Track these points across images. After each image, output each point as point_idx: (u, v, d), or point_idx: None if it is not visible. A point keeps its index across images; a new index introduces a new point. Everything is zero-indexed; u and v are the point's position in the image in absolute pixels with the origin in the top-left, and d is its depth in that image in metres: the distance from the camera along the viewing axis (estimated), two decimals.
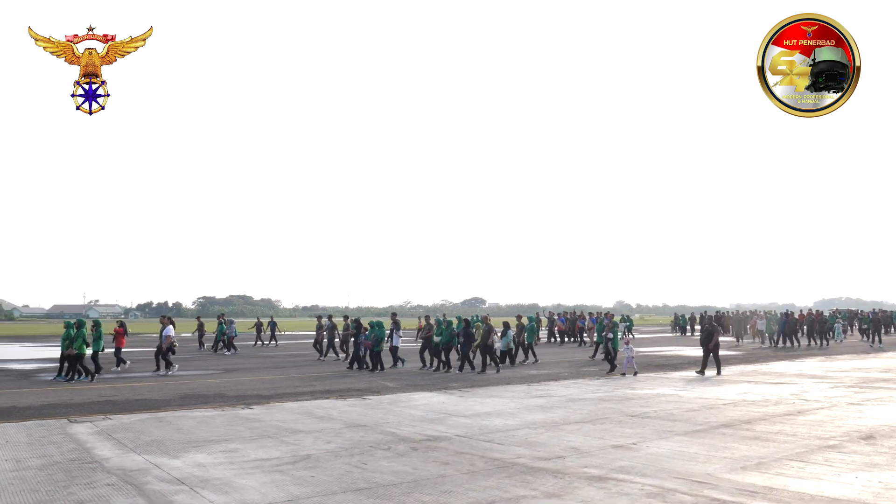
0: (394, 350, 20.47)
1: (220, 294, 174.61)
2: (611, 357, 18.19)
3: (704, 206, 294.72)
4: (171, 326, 18.60)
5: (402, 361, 20.61)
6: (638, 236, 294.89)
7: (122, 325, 20.51)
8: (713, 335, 17.84)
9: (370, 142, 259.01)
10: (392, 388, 15.59)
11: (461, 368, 18.75)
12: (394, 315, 21.40)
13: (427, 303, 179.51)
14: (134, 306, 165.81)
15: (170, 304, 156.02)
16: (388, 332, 20.54)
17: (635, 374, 17.53)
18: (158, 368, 18.61)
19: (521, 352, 22.06)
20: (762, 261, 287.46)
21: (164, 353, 18.48)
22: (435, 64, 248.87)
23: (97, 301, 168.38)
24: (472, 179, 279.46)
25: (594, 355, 23.27)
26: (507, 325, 20.63)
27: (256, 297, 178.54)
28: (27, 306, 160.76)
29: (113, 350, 19.85)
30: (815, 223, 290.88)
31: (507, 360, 20.60)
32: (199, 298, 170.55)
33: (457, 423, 10.65)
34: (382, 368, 19.35)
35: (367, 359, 19.54)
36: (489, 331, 18.58)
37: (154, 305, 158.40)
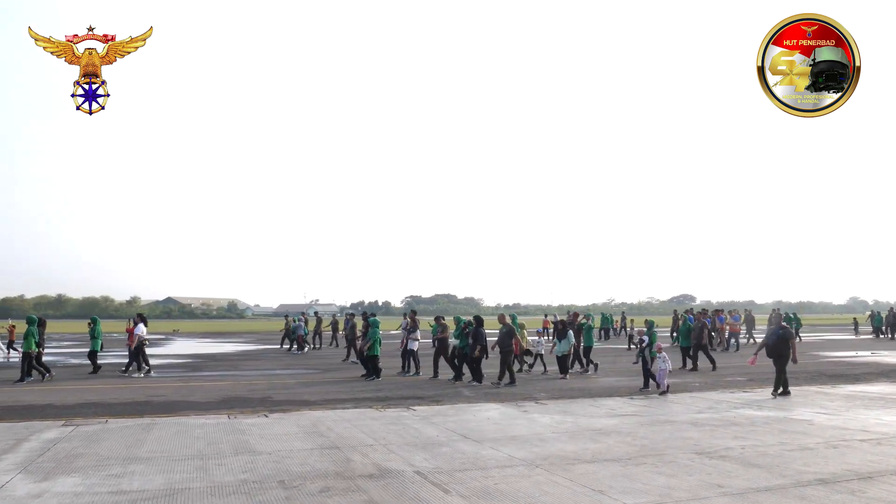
0: (408, 354, 17.73)
1: (427, 293, 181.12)
2: (646, 368, 14.15)
3: (707, 205, 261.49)
4: (142, 325, 17.67)
5: (417, 368, 17.69)
6: (872, 227, 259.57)
7: (142, 318, 19.02)
8: (789, 342, 13.03)
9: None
10: (465, 397, 13.33)
11: (475, 377, 15.53)
12: (413, 313, 18.45)
13: (632, 300, 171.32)
14: (348, 305, 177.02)
15: (379, 303, 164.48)
16: (403, 332, 18.09)
17: (665, 391, 13.41)
18: (128, 369, 17.62)
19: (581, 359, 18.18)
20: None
21: (137, 352, 17.57)
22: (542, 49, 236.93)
23: (317, 300, 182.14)
24: (686, 170, 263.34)
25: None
26: (564, 326, 17.02)
27: (460, 296, 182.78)
28: (258, 306, 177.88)
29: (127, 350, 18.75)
30: (815, 223, 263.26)
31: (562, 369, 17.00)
32: (406, 297, 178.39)
33: (450, 451, 8.15)
34: (371, 376, 16.58)
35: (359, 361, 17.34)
36: (509, 334, 15.23)
37: (365, 304, 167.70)
